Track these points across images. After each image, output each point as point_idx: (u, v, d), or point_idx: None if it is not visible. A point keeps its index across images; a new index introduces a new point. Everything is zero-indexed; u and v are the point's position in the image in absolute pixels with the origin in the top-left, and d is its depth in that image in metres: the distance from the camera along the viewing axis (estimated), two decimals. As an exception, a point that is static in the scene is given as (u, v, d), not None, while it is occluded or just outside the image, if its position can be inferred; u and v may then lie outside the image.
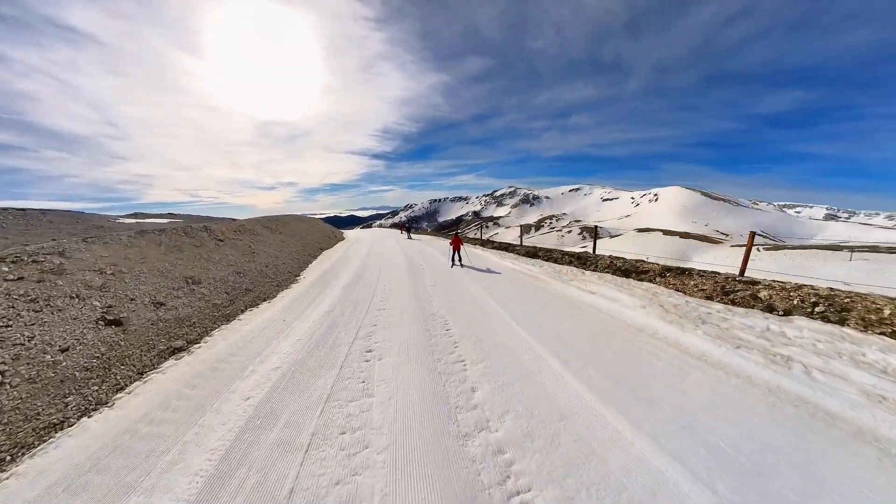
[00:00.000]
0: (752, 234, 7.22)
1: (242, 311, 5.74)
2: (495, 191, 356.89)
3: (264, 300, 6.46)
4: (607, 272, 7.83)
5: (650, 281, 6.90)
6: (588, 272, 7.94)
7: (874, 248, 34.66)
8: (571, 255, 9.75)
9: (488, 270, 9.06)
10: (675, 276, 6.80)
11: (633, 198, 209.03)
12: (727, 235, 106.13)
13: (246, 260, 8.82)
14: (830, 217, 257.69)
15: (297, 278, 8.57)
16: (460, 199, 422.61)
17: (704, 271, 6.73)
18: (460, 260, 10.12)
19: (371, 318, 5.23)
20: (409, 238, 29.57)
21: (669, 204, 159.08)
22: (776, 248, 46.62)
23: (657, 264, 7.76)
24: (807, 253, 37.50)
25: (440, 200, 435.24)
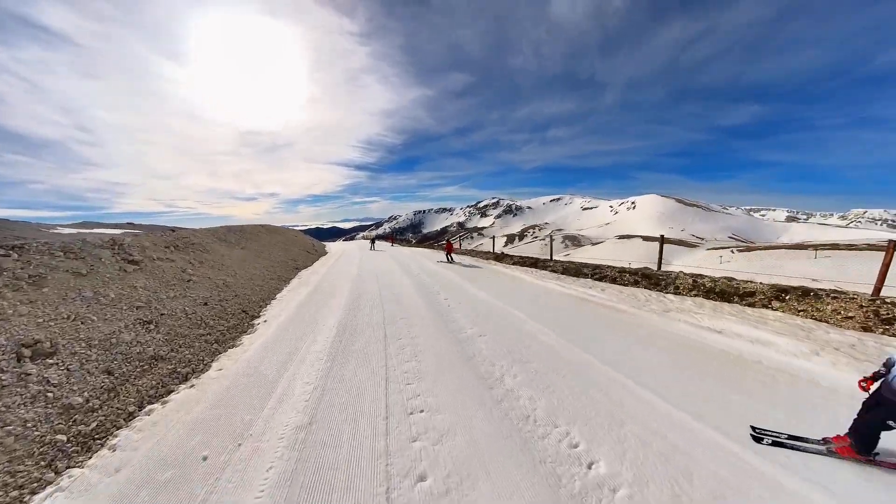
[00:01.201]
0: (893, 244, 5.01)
1: (98, 439, 2.69)
2: (479, 202, 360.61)
3: (167, 391, 3.40)
4: (696, 295, 6.20)
5: (764, 306, 5.51)
6: (671, 296, 6.32)
7: (835, 246, 35.89)
8: (633, 272, 8.18)
9: (537, 299, 6.78)
10: (800, 300, 5.42)
11: (611, 206, 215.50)
12: (702, 239, 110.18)
13: (172, 295, 5.75)
14: (791, 219, 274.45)
15: (255, 323, 5.78)
16: (444, 210, 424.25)
17: (836, 292, 5.38)
18: (451, 259, 14.36)
19: (401, 441, 2.47)
20: (393, 246, 28.45)
21: (647, 211, 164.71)
22: (748, 249, 48.04)
23: (763, 284, 6.21)
24: (776, 253, 38.46)
25: (424, 212, 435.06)
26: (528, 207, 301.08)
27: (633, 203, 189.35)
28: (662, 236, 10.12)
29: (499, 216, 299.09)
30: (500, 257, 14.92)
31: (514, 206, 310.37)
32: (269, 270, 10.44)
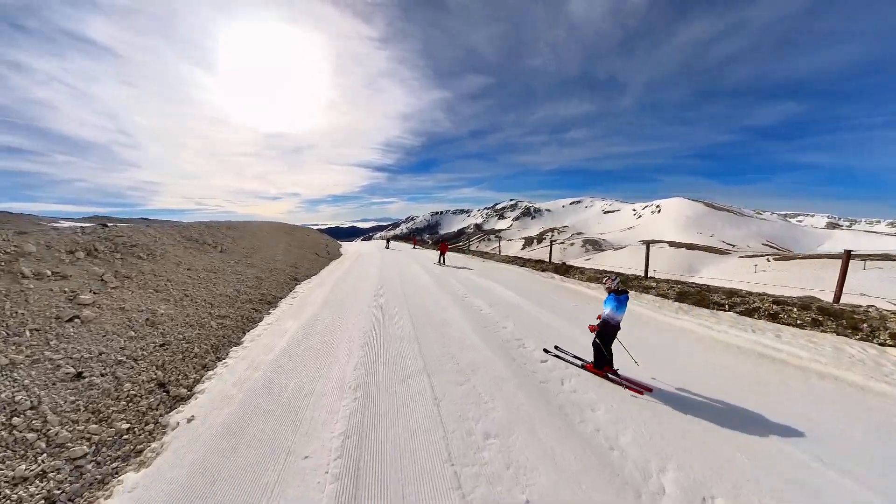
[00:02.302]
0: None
1: None
2: (496, 203, 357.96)
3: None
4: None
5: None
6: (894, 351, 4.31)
7: (887, 257, 32.86)
8: (802, 306, 5.90)
9: (696, 356, 4.56)
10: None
11: (634, 210, 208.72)
12: (733, 246, 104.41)
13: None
14: (833, 226, 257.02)
15: (147, 448, 2.91)
16: (462, 211, 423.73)
17: None
18: (443, 262, 14.99)
19: None
20: (415, 248, 28.03)
21: (672, 215, 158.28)
22: (786, 258, 44.90)
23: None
24: (817, 263, 35.63)
25: (442, 213, 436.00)
26: (547, 210, 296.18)
27: (657, 207, 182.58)
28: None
29: (517, 218, 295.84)
30: (565, 270, 11.63)
31: (532, 209, 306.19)
32: (251, 286, 8.02)
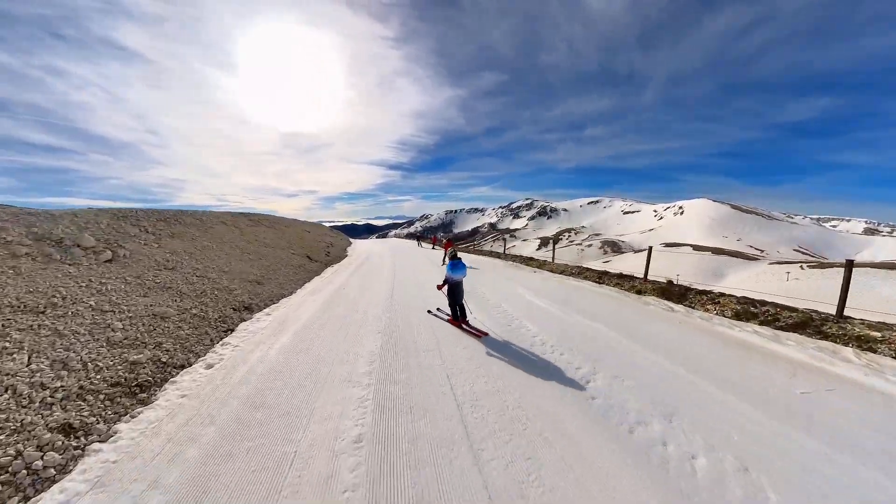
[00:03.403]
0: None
1: None
2: (512, 203, 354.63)
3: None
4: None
5: None
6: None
7: None
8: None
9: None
10: None
11: (655, 211, 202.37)
12: (762, 251, 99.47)
13: None
14: (871, 231, 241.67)
15: None
16: (476, 210, 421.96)
17: None
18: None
19: None
20: (434, 248, 27.80)
21: (696, 217, 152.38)
22: (821, 265, 42.07)
23: None
24: (858, 271, 33.09)
25: (456, 211, 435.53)
26: (564, 209, 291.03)
27: (680, 208, 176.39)
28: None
29: (532, 218, 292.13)
30: (682, 295, 7.90)
31: (548, 208, 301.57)
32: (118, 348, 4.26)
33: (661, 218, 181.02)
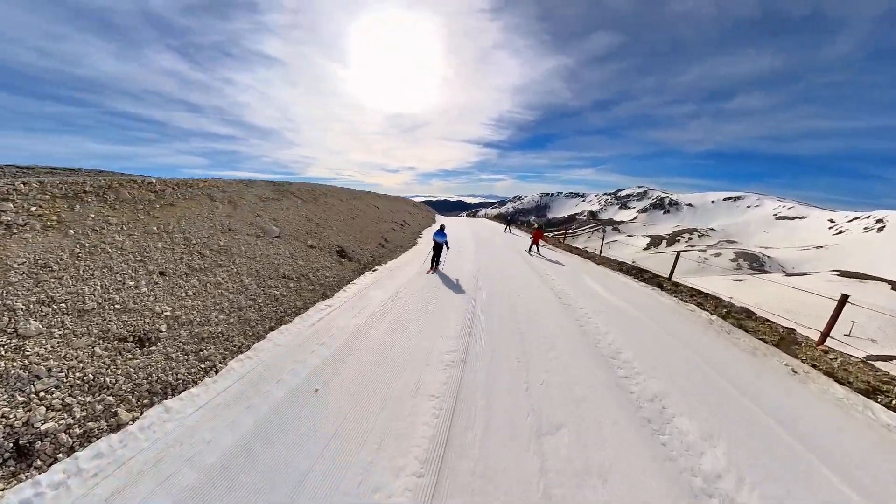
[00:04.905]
0: None
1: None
2: (619, 190, 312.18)
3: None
4: None
5: None
6: None
7: None
8: None
9: None
10: None
11: (832, 220, 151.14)
12: None
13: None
14: None
15: None
16: (575, 195, 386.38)
17: None
18: (537, 250, 15.74)
19: None
20: (509, 232, 23.36)
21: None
22: None
23: None
24: None
25: (552, 195, 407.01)
26: (688, 204, 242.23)
27: (879, 221, 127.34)
28: None
29: (644, 210, 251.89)
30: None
31: (666, 200, 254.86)
32: None
33: (841, 232, 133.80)
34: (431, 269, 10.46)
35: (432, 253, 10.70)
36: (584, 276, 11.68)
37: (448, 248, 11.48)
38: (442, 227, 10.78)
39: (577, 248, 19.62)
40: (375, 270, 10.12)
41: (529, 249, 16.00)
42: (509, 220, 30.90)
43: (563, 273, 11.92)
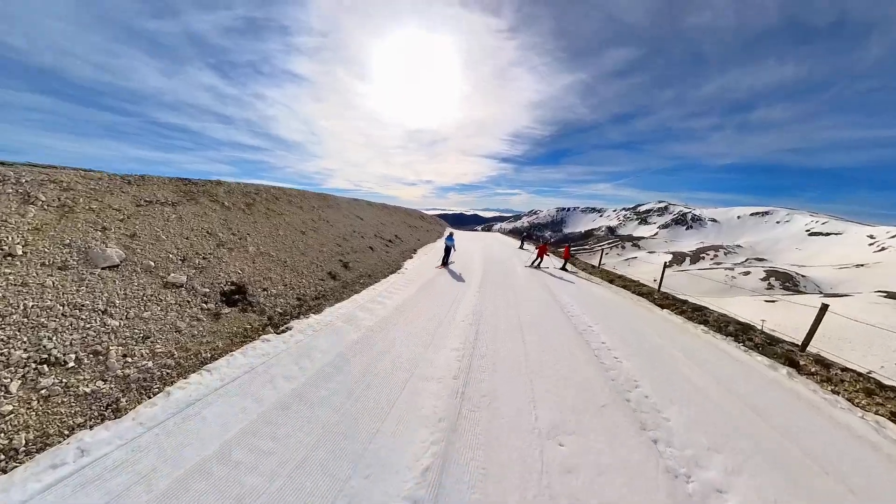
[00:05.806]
0: None
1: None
2: (639, 205, 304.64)
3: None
4: None
5: None
6: None
7: None
8: None
9: None
10: None
11: (872, 236, 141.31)
12: None
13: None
14: None
15: None
16: (593, 210, 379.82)
17: None
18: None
19: None
20: (522, 246, 21.24)
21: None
22: None
23: None
24: None
25: (568, 209, 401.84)
26: (712, 220, 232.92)
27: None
28: None
29: (665, 226, 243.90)
30: None
31: (689, 216, 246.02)
32: None
33: (884, 248, 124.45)
34: (442, 265, 13.46)
35: (444, 254, 14.08)
36: (655, 338, 7.16)
37: (455, 250, 15.09)
38: (451, 234, 15.13)
39: (616, 273, 15.93)
40: (286, 332, 5.91)
41: (532, 264, 15.78)
42: (525, 235, 28.76)
43: (628, 340, 6.96)
